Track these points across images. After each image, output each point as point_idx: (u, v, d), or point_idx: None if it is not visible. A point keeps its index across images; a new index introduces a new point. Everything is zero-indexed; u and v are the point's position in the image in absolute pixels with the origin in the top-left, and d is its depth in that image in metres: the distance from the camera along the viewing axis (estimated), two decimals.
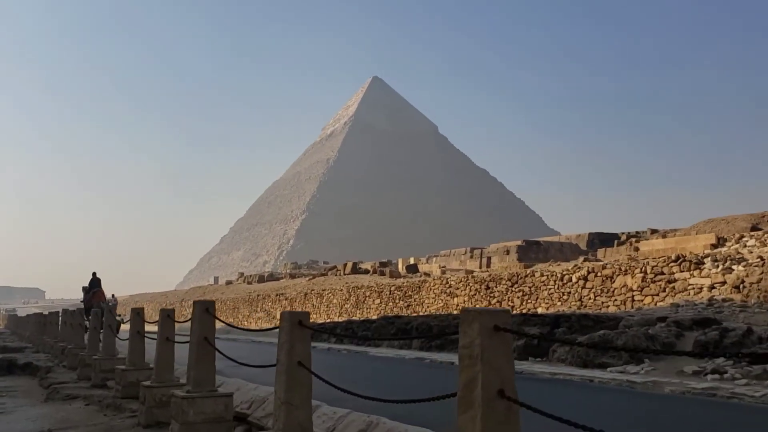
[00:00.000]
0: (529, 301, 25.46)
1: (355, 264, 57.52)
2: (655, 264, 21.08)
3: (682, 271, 20.25)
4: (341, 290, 39.22)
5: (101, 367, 13.95)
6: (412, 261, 63.60)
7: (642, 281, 21.19)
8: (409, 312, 32.26)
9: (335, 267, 60.48)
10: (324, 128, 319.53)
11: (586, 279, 23.36)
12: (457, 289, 29.31)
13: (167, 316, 9.78)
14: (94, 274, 31.13)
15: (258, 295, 50.33)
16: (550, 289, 24.65)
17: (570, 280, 23.98)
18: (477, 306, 27.90)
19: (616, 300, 21.91)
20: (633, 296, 21.29)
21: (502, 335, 3.63)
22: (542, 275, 25.20)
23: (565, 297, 23.93)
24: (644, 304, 20.72)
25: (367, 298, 36.10)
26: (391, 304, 33.75)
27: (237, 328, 8.82)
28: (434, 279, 31.62)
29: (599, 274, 22.89)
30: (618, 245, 67.06)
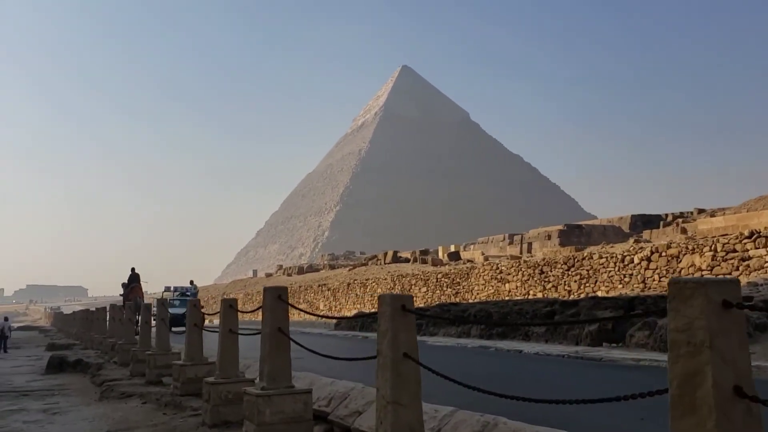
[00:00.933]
0: (587, 284, 24.38)
1: (395, 253, 56.72)
2: (726, 241, 19.84)
3: (757, 248, 18.99)
4: (385, 279, 38.46)
5: (156, 363, 13.36)
6: (452, 248, 62.56)
7: (712, 260, 19.97)
8: (458, 299, 31.36)
9: (375, 256, 59.75)
10: (355, 119, 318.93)
11: (649, 260, 22.20)
12: (509, 275, 28.30)
13: (229, 307, 9.06)
14: (132, 269, 31.03)
15: (300, 287, 49.86)
16: (609, 271, 23.53)
17: (632, 261, 22.84)
18: (531, 292, 26.95)
19: None
20: (702, 276, 20.06)
21: (735, 314, 2.74)
22: (601, 257, 24.08)
23: (626, 279, 22.80)
24: None
25: (412, 287, 35.27)
26: (438, 291, 32.88)
27: (315, 315, 7.99)
28: (483, 265, 30.66)
29: (664, 253, 21.70)
30: (664, 226, 65.23)
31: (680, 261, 21.01)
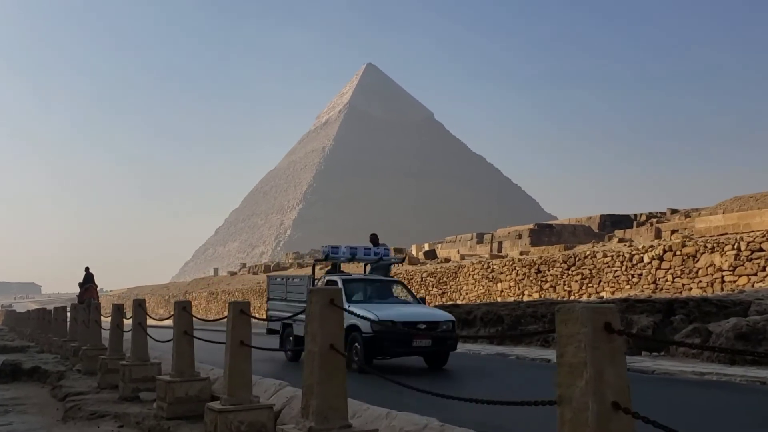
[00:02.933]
0: (589, 285, 22.87)
1: None
2: (751, 239, 18.45)
3: None
4: None
5: (131, 375, 11.24)
6: (427, 247, 60.96)
7: (735, 259, 18.56)
8: (445, 300, 29.65)
9: None
10: (319, 116, 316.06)
11: (661, 259, 20.75)
12: (501, 273, 26.68)
13: (241, 312, 7.08)
14: (87, 269, 29.16)
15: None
16: (615, 270, 22.04)
17: (641, 260, 21.37)
18: (526, 292, 25.36)
19: (700, 282, 19.33)
20: (723, 277, 18.69)
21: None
22: (605, 256, 22.58)
23: (635, 279, 21.33)
24: (738, 286, 18.11)
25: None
26: (422, 291, 31.09)
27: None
28: (474, 264, 28.98)
29: (679, 252, 20.26)
30: (637, 226, 64.81)
31: (698, 260, 19.59)
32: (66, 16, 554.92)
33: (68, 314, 21.91)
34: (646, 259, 21.14)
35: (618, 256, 22.05)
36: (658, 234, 49.91)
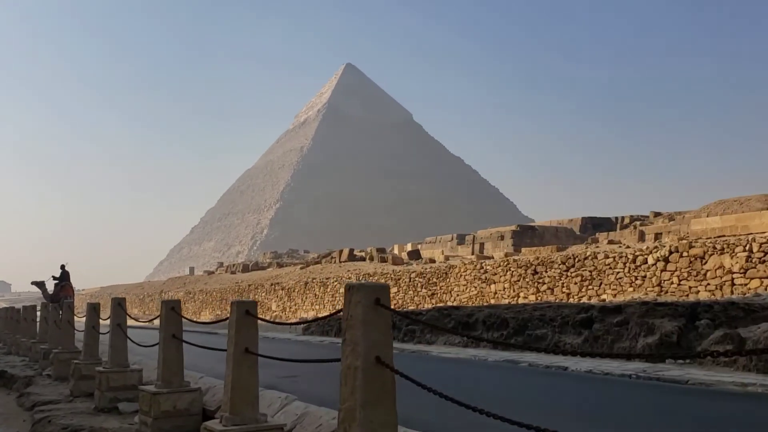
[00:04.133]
0: (590, 287, 21.97)
1: (351, 251, 53.69)
2: (764, 240, 17.63)
3: None
4: (349, 278, 35.38)
5: (109, 383, 10.01)
6: (409, 247, 60.05)
7: (746, 261, 17.75)
8: (434, 301, 28.64)
9: (329, 254, 56.53)
10: (297, 116, 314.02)
11: (667, 260, 19.90)
12: (495, 275, 25.70)
13: (246, 313, 5.94)
14: (62, 267, 27.87)
15: (249, 285, 46.27)
16: (618, 272, 21.17)
17: (645, 261, 20.51)
18: (522, 294, 24.43)
19: (708, 284, 18.51)
20: (733, 279, 17.87)
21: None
22: (607, 257, 21.69)
23: (638, 282, 20.47)
24: (750, 289, 17.29)
25: None
26: (411, 292, 30.07)
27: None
28: (466, 264, 27.97)
29: (686, 254, 19.41)
30: (621, 228, 64.54)
31: (706, 262, 18.75)
32: (49, 9, 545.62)
33: (38, 314, 20.54)
34: (650, 261, 20.28)
35: (620, 257, 21.17)
36: (641, 237, 49.47)
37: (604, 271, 21.54)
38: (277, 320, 37.53)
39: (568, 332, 14.33)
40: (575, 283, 22.35)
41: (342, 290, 35.88)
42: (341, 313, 4.25)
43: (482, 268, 26.50)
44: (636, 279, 20.52)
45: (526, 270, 24.20)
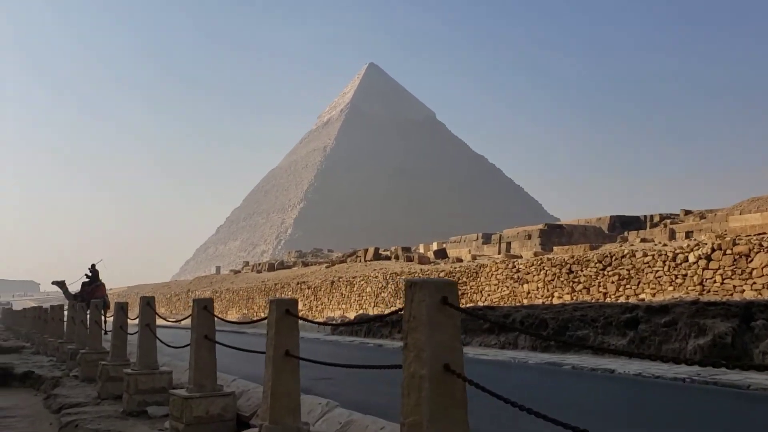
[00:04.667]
0: (627, 286, 21.25)
1: (376, 250, 53.23)
2: None
3: None
4: (375, 277, 34.91)
5: (138, 386, 9.61)
6: (435, 246, 59.45)
7: None
8: (464, 302, 28.03)
9: (354, 253, 56.12)
10: (320, 116, 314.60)
11: (709, 258, 19.12)
12: (527, 274, 25.04)
13: (286, 312, 5.45)
14: (93, 266, 27.55)
15: (275, 284, 46.00)
16: (657, 271, 20.42)
17: (686, 259, 19.74)
18: (556, 293, 23.75)
19: (755, 283, 17.72)
20: None
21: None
22: (646, 255, 20.95)
23: (679, 281, 19.71)
24: None
25: None
26: None
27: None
28: (497, 263, 27.35)
29: (729, 251, 18.63)
30: (651, 227, 63.40)
31: (751, 260, 17.98)
32: (82, 10, 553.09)
33: (65, 313, 20.34)
34: (691, 259, 19.52)
35: (660, 255, 20.42)
36: (672, 235, 48.42)
37: (643, 270, 20.80)
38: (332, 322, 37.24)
39: (612, 333, 13.70)
40: (612, 282, 21.63)
41: (368, 289, 35.46)
42: (397, 313, 3.77)
43: (514, 267, 25.86)
44: (676, 278, 19.77)
45: (560, 269, 23.52)
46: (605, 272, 22.00)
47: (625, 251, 21.91)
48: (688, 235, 46.22)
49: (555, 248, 34.21)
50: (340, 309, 37.18)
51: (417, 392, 3.39)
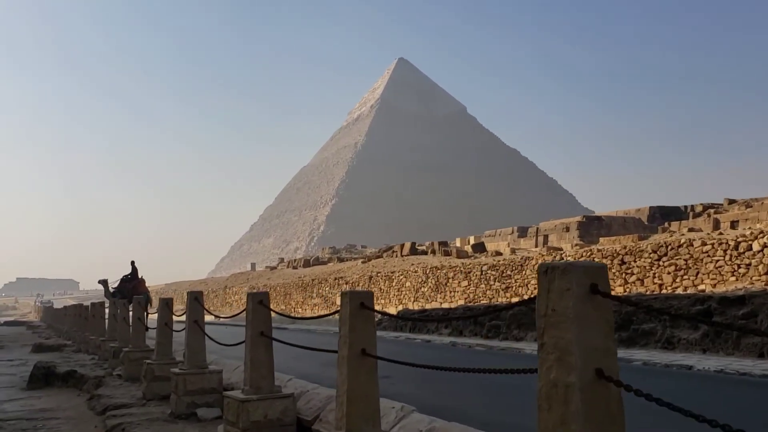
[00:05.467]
0: (685, 277, 20.22)
1: (413, 244, 52.51)
2: None
3: None
4: (415, 272, 34.21)
5: (186, 387, 9.04)
6: (472, 240, 58.54)
7: None
8: (509, 295, 27.21)
9: (391, 248, 55.51)
10: (350, 112, 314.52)
11: None
12: None
13: (360, 306, 4.80)
14: (132, 263, 27.37)
15: (312, 280, 45.57)
16: (717, 261, 19.38)
17: (749, 248, 18.68)
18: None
19: None
20: None
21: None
22: (704, 244, 19.90)
23: (742, 270, 18.66)
24: None
25: (450, 280, 31.04)
26: (483, 286, 28.67)
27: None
28: (543, 256, 26.46)
29: None
30: (694, 217, 61.65)
31: None
32: (123, 17, 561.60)
33: (107, 310, 20.04)
34: (756, 247, 18.45)
35: (720, 244, 19.36)
36: (716, 225, 46.85)
37: (702, 260, 19.75)
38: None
39: (682, 326, 12.79)
40: (669, 273, 20.62)
41: (408, 284, 34.77)
42: (521, 305, 3.06)
43: (561, 259, 24.93)
44: (739, 267, 18.71)
45: (612, 260, 22.55)
46: (660, 262, 21.00)
47: (682, 240, 20.86)
48: (734, 224, 44.74)
49: (601, 239, 33.13)
50: (378, 304, 36.54)
51: (562, 405, 2.68)
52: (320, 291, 43.33)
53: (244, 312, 7.21)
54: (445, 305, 30.28)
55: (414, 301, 33.51)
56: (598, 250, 23.65)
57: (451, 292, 30.79)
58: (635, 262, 21.78)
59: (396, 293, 35.31)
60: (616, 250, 22.73)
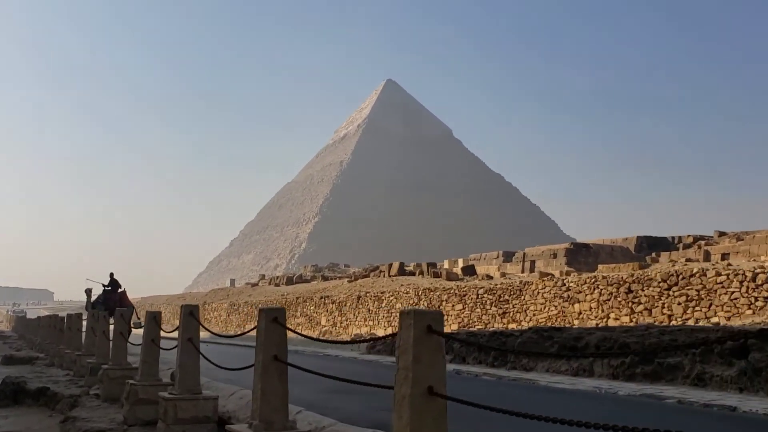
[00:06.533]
0: (696, 308, 19.36)
1: (401, 264, 51.45)
2: None
3: None
4: (406, 293, 33.12)
5: (178, 414, 7.86)
6: (461, 263, 57.68)
7: None
8: (505, 321, 26.20)
9: (377, 268, 54.37)
10: (337, 131, 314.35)
11: None
12: (579, 293, 23.18)
13: (428, 330, 3.70)
14: (111, 275, 26.14)
15: (297, 298, 44.26)
16: (733, 292, 18.53)
17: (767, 280, 17.85)
18: (612, 315, 21.87)
19: None
20: None
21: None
22: (719, 274, 19.06)
23: (759, 303, 17.82)
24: None
25: (443, 303, 29.99)
26: (479, 310, 27.66)
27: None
28: (544, 281, 25.49)
29: None
30: (684, 248, 61.28)
31: None
32: (97, 22, 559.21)
33: (84, 323, 18.73)
34: None
35: (736, 275, 18.53)
36: (707, 257, 46.39)
37: (715, 291, 18.91)
38: (328, 337, 35.50)
39: (713, 362, 11.82)
40: (679, 304, 19.74)
41: (398, 306, 33.62)
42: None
43: (564, 285, 24.00)
44: (756, 300, 17.88)
45: (618, 288, 21.64)
46: (670, 292, 20.12)
47: (695, 270, 20.01)
48: (724, 257, 44.32)
49: (600, 266, 32.30)
50: (366, 326, 35.38)
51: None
52: (304, 310, 42.03)
53: (250, 330, 6.13)
54: None
55: None
56: (603, 277, 22.73)
57: (444, 315, 29.73)
58: (643, 290, 20.89)
59: (386, 314, 34.17)
60: (622, 277, 21.84)
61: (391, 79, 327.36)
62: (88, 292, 24.13)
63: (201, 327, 8.40)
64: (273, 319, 5.87)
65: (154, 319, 10.14)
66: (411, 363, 3.68)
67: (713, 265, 21.75)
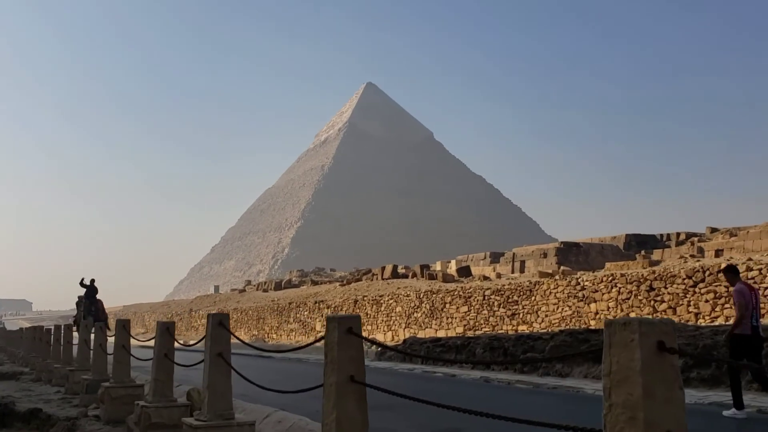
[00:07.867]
0: (725, 305, 18.34)
1: (395, 267, 50.29)
2: None
3: None
4: (407, 296, 31.92)
5: None
6: (453, 264, 56.68)
7: None
8: (515, 323, 25.10)
9: (370, 271, 53.15)
10: (318, 135, 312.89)
11: None
12: (596, 292, 22.11)
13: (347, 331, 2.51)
14: (92, 281, 24.37)
15: (289, 303, 42.88)
16: (766, 288, 17.54)
17: None
18: (633, 314, 20.82)
19: None
20: None
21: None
22: (750, 269, 18.08)
23: None
24: None
25: (447, 305, 28.82)
26: (485, 312, 26.53)
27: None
28: (556, 280, 24.41)
29: None
30: (677, 245, 60.90)
31: None
32: (75, 21, 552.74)
33: (75, 335, 17.33)
34: None
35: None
36: (701, 253, 45.83)
37: None
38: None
39: None
40: (706, 301, 18.73)
41: (398, 309, 32.45)
42: None
43: (578, 284, 22.92)
44: None
45: (638, 286, 20.59)
46: (696, 289, 19.10)
47: (724, 265, 19.00)
48: (718, 253, 43.78)
49: (607, 264, 31.32)
50: (365, 330, 34.10)
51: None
52: (298, 315, 40.67)
53: (251, 340, 4.94)
54: (441, 333, 28.07)
55: (405, 327, 31.20)
56: (622, 275, 21.66)
57: (448, 318, 28.57)
58: (667, 288, 19.86)
59: (385, 318, 32.95)
60: (643, 275, 20.80)
61: (371, 82, 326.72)
62: (79, 302, 22.57)
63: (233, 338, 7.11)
64: (347, 330, 4.62)
65: (167, 330, 8.83)
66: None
67: (746, 260, 20.74)
